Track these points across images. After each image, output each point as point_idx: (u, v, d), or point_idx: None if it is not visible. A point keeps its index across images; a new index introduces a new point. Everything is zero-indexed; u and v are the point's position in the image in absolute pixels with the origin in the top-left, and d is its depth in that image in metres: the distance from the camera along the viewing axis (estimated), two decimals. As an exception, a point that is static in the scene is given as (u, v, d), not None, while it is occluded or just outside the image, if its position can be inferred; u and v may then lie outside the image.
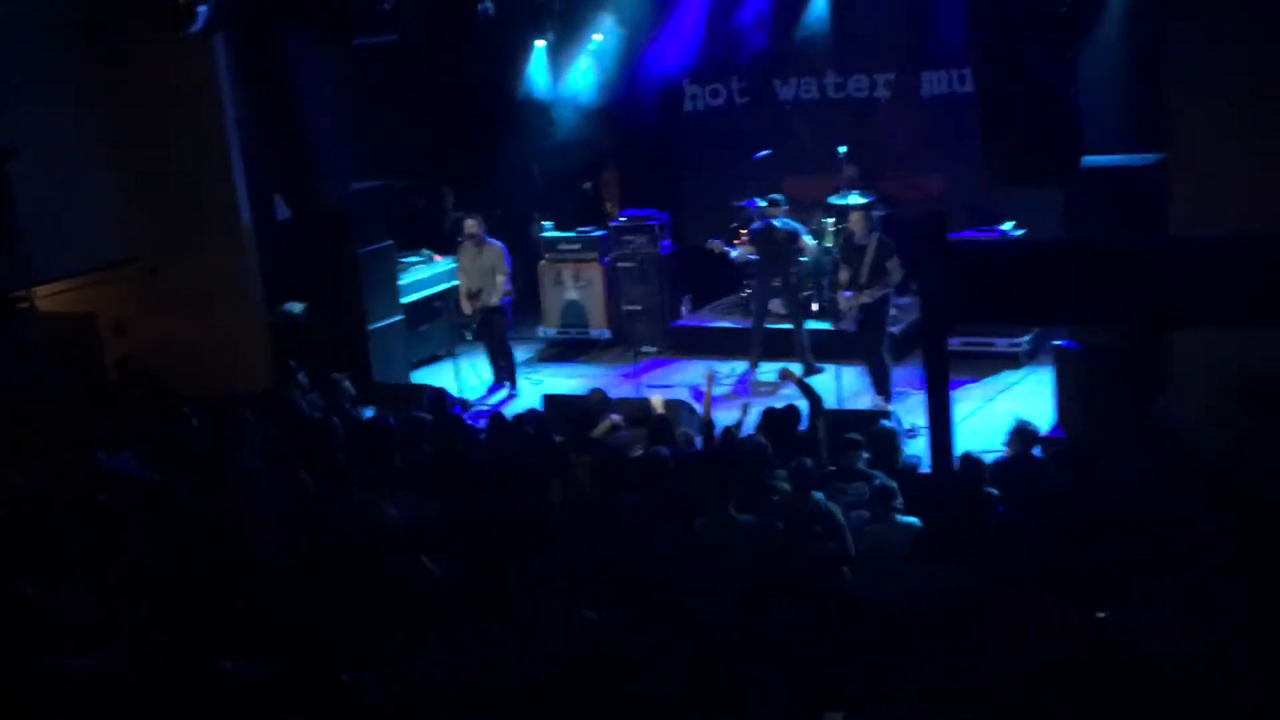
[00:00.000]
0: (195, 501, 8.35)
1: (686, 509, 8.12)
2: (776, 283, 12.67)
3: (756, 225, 12.66)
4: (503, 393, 12.86)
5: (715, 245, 13.11)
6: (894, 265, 11.36)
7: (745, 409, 9.88)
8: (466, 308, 12.82)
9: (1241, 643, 5.75)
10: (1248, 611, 6.02)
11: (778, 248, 12.55)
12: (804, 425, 9.33)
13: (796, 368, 12.51)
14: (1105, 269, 6.26)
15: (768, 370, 12.60)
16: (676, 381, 12.62)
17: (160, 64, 12.01)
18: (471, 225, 12.82)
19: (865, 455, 8.73)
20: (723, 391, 12.17)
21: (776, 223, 12.53)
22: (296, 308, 12.87)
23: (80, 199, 11.91)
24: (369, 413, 11.06)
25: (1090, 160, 9.34)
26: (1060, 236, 10.00)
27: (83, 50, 11.97)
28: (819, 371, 12.30)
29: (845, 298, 11.59)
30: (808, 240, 12.70)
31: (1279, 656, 5.68)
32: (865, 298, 11.42)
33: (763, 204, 12.80)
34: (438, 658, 6.58)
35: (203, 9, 10.69)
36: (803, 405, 9.48)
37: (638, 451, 9.37)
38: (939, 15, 12.68)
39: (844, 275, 11.66)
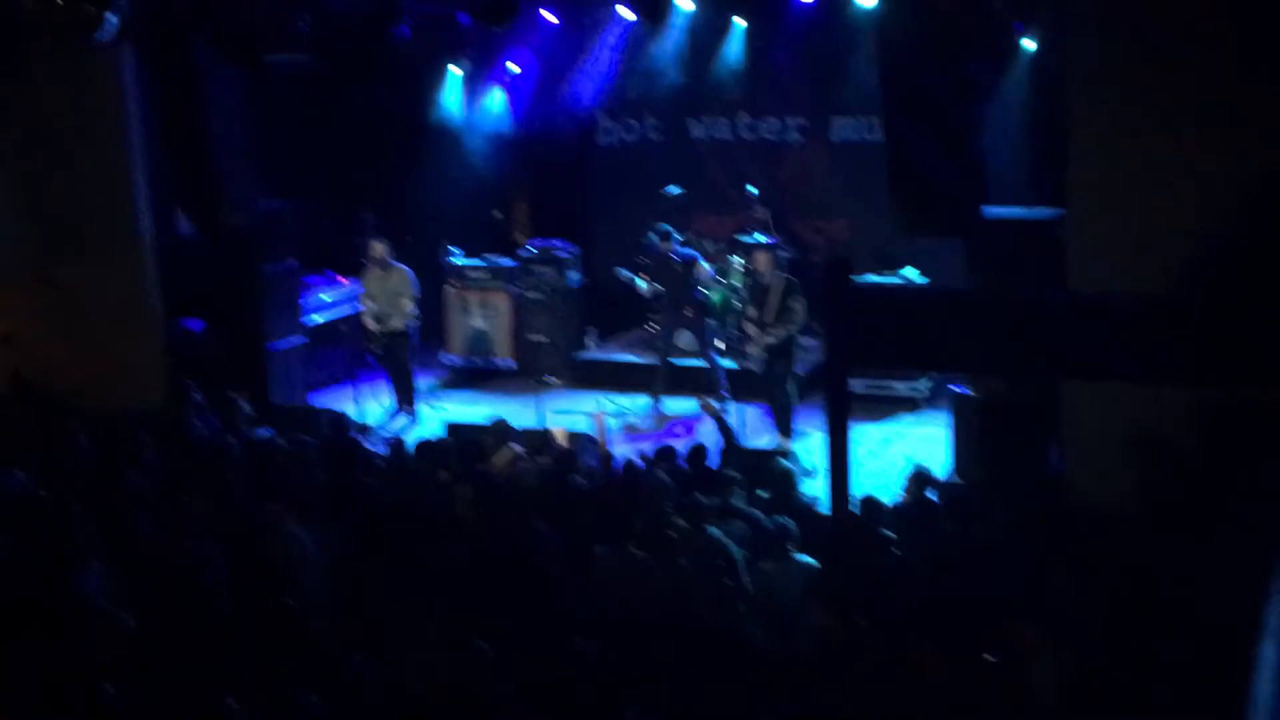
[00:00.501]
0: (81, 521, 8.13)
1: (585, 541, 8.11)
2: (686, 313, 12.71)
3: (655, 260, 12.73)
4: (403, 419, 12.73)
5: (623, 274, 13.13)
6: (799, 304, 11.47)
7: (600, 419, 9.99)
8: (372, 325, 12.68)
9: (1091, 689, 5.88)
10: (1109, 659, 6.16)
11: (677, 276, 12.63)
12: (716, 462, 9.41)
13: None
14: (1002, 319, 6.39)
15: (671, 404, 12.67)
16: (579, 413, 12.58)
17: (64, 73, 11.73)
18: (378, 248, 12.72)
19: (762, 494, 8.81)
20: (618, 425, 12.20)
21: (672, 254, 12.63)
22: (195, 325, 12.64)
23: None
24: (265, 434, 10.88)
25: (992, 212, 9.55)
26: (961, 285, 10.20)
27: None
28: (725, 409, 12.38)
29: (752, 337, 11.69)
30: (704, 266, 12.79)
31: (1137, 699, 5.82)
32: (770, 338, 11.52)
33: (654, 238, 12.90)
34: (320, 686, 6.48)
35: (111, 17, 10.50)
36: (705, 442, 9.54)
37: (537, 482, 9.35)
38: (851, 63, 12.87)
39: (751, 314, 11.75)
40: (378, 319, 12.62)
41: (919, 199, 9.19)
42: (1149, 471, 8.13)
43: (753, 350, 11.70)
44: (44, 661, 6.59)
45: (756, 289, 11.75)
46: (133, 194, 11.87)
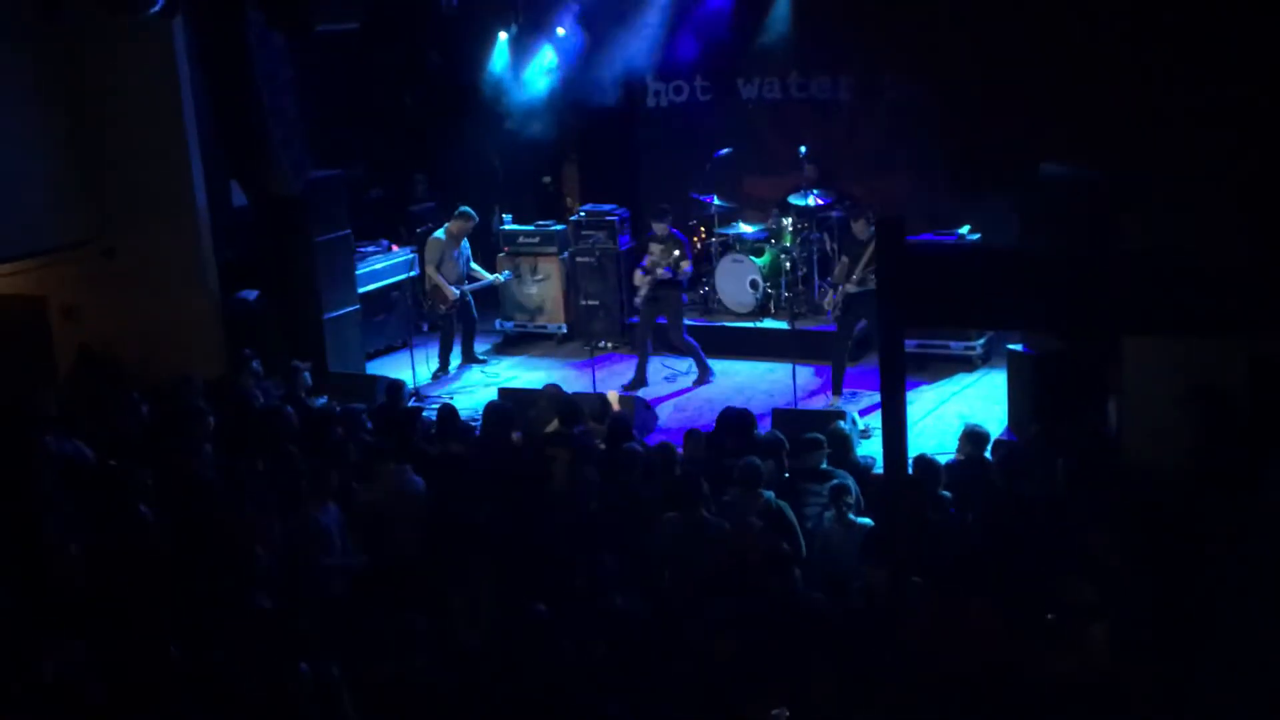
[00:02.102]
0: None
1: (650, 505, 8.14)
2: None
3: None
4: (454, 383, 12.87)
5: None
6: None
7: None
8: (451, 294, 12.92)
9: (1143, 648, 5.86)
10: (1152, 620, 6.14)
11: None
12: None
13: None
14: (1059, 276, 6.33)
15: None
16: (630, 378, 12.59)
17: (119, 45, 11.88)
18: (467, 226, 13.00)
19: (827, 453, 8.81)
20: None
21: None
22: (251, 295, 12.78)
23: (33, 179, 11.76)
24: (321, 402, 11.01)
25: (1046, 169, 9.43)
26: (1015, 242, 10.10)
27: (39, 28, 11.80)
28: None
29: (830, 292, 11.76)
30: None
31: (1179, 661, 5.79)
32: (851, 286, 11.50)
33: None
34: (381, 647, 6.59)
35: (163, -10, 10.61)
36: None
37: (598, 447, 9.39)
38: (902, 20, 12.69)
39: (839, 270, 11.75)
40: (457, 281, 12.91)
41: (973, 157, 9.10)
42: (1205, 429, 8.04)
43: (835, 301, 11.68)
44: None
45: (850, 242, 11.78)
46: (188, 165, 12.01)
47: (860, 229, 11.66)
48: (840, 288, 11.63)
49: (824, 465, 8.59)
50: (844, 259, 11.79)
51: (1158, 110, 8.24)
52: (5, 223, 11.14)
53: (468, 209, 13.15)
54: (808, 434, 8.86)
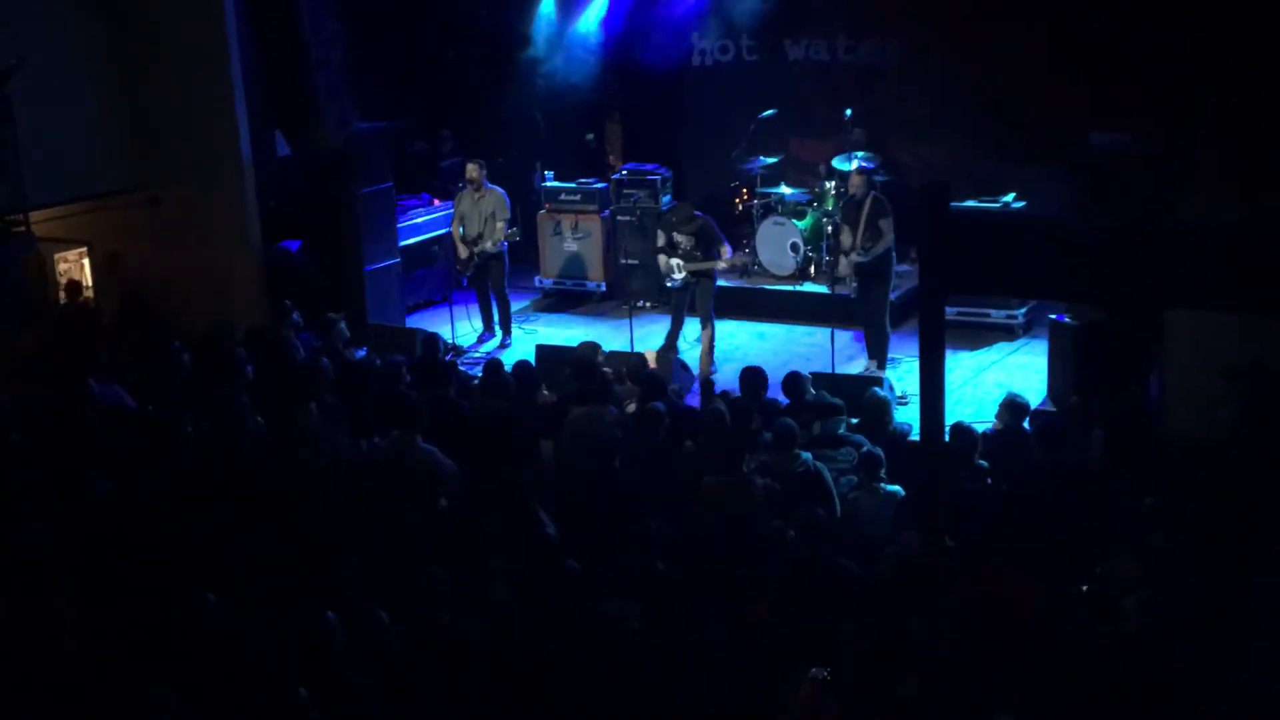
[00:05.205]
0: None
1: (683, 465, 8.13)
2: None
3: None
4: (494, 341, 12.83)
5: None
6: (887, 225, 11.22)
7: None
8: (463, 252, 12.75)
9: (1186, 625, 5.82)
10: (1194, 598, 6.09)
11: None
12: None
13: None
14: (1105, 246, 6.24)
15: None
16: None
17: (167, -4, 11.94)
18: (473, 170, 12.71)
19: (852, 420, 8.77)
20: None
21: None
22: (293, 245, 12.82)
23: (81, 126, 11.82)
24: (361, 354, 11.05)
25: (1097, 139, 9.31)
26: (1062, 212, 9.99)
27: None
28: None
29: (844, 261, 11.51)
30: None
31: (1221, 640, 5.74)
32: (858, 256, 11.32)
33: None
34: (410, 605, 6.62)
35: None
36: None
37: (630, 406, 9.38)
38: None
39: (845, 238, 11.54)
40: (470, 241, 12.66)
41: (1022, 124, 9.00)
42: (1251, 405, 7.95)
43: (844, 272, 11.55)
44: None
45: (850, 208, 11.55)
46: (233, 115, 12.03)
47: (858, 190, 11.38)
48: (849, 257, 11.36)
49: (842, 431, 8.56)
50: (846, 229, 11.49)
51: (1211, 79, 8.11)
52: (51, 168, 11.19)
53: (477, 159, 12.87)
54: (830, 399, 8.81)
